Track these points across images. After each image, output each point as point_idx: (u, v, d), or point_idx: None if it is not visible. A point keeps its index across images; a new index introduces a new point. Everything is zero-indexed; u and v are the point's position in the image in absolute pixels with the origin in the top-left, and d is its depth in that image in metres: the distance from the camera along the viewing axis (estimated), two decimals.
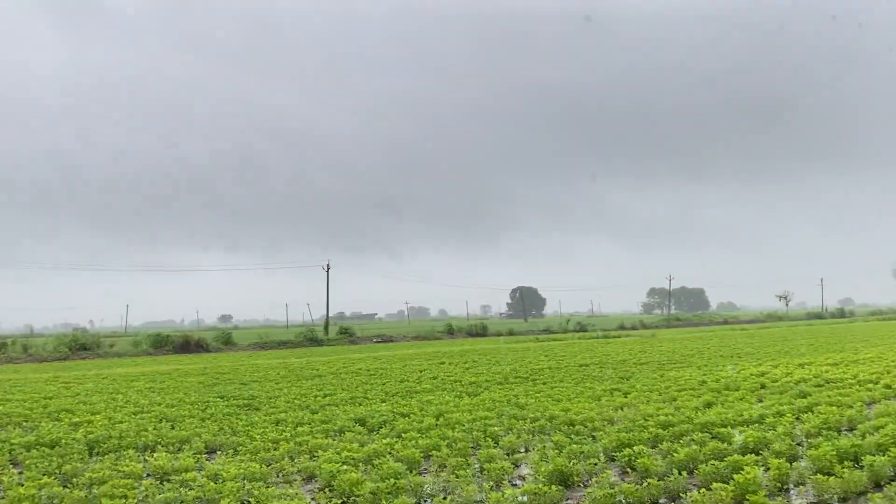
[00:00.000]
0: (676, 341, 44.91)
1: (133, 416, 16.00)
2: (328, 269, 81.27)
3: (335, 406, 16.78)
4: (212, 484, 8.80)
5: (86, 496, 8.51)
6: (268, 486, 8.89)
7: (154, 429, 13.69)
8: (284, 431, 12.88)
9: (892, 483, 8.17)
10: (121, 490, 8.62)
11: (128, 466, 10.24)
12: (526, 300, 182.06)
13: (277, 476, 9.85)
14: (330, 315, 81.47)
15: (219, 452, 11.82)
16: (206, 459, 11.22)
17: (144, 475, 10.22)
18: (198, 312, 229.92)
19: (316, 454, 10.93)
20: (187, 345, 53.04)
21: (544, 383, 20.70)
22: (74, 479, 9.65)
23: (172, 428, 14.07)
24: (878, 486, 8.39)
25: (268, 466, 10.12)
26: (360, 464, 10.14)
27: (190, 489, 8.76)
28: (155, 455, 11.16)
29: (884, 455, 9.12)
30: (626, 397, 16.72)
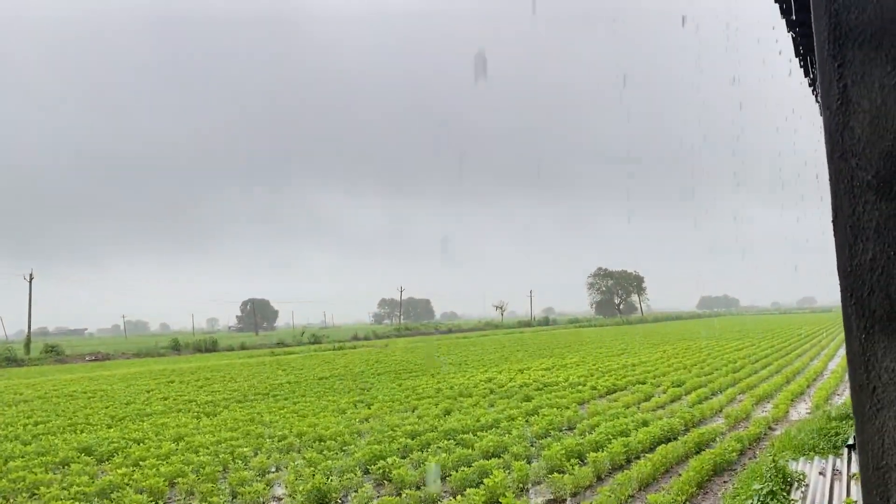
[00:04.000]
0: (408, 350, 46.81)
1: None
2: (31, 279, 71.82)
3: (51, 435, 14.91)
4: None
5: None
6: None
7: None
8: None
9: (612, 475, 9.37)
10: None
11: None
12: (257, 312, 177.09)
13: None
14: (31, 332, 71.83)
15: None
16: None
17: None
18: None
19: (37, 492, 9.62)
20: None
21: (286, 399, 20.36)
22: None
23: None
24: (600, 479, 9.55)
25: None
26: (95, 498, 9.14)
27: None
28: None
29: (602, 451, 10.41)
30: (370, 409, 17.06)
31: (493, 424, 13.66)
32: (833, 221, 1.29)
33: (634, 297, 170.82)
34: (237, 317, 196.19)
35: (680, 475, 8.98)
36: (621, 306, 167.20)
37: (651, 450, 10.71)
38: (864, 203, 1.23)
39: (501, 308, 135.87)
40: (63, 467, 11.46)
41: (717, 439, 11.44)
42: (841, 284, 1.30)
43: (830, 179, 1.30)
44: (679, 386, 19.23)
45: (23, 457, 12.18)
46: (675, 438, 11.46)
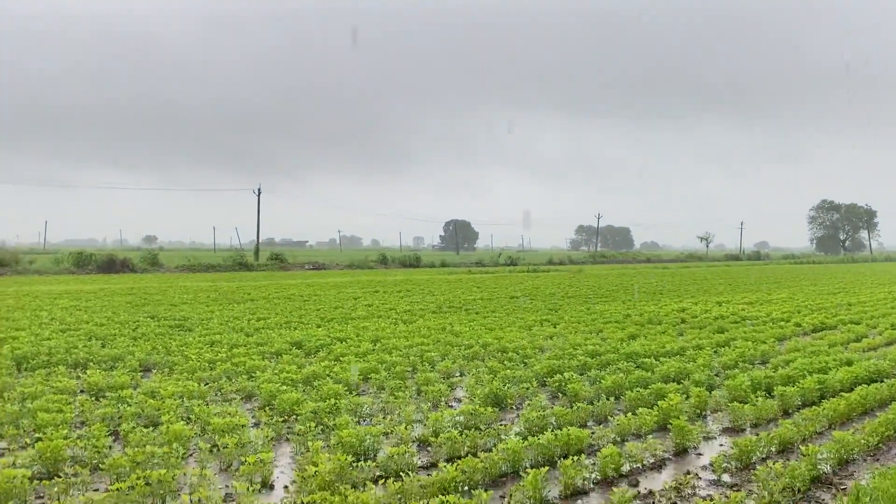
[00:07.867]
0: (602, 277, 46.30)
1: (60, 333, 15.65)
2: (259, 192, 79.67)
3: (270, 329, 16.79)
4: (150, 400, 8.80)
5: (19, 410, 8.38)
6: (207, 404, 8.96)
7: (84, 346, 13.45)
8: (220, 352, 12.87)
9: (800, 411, 8.84)
10: (56, 405, 8.53)
11: (60, 382, 10.11)
12: (459, 233, 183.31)
13: (216, 395, 9.91)
14: (259, 241, 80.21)
15: (154, 371, 11.75)
16: (142, 377, 11.17)
17: (78, 391, 10.13)
18: (121, 232, 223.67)
19: (254, 375, 10.99)
20: (112, 264, 51.51)
21: (477, 313, 21.17)
22: (5, 394, 9.49)
23: (103, 346, 13.85)
24: (786, 414, 9.07)
25: (205, 386, 10.16)
26: (300, 385, 10.29)
27: (128, 405, 8.74)
28: (88, 372, 11.02)
29: (793, 386, 9.83)
30: (555, 328, 17.30)
31: (679, 352, 13.33)
32: None
33: (863, 234, 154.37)
34: (440, 236, 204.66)
35: (877, 417, 8.27)
36: (847, 243, 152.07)
37: (850, 389, 9.93)
38: None
39: (707, 239, 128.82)
40: (276, 357, 12.95)
41: None
42: None
43: None
44: None
45: (245, 346, 13.90)
46: (881, 380, 10.49)
